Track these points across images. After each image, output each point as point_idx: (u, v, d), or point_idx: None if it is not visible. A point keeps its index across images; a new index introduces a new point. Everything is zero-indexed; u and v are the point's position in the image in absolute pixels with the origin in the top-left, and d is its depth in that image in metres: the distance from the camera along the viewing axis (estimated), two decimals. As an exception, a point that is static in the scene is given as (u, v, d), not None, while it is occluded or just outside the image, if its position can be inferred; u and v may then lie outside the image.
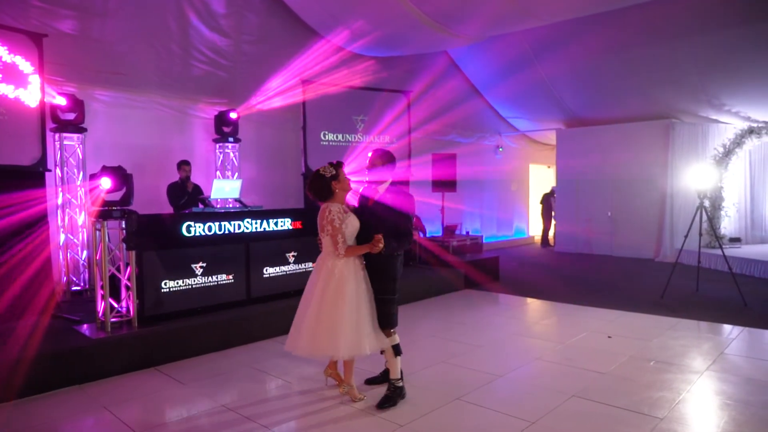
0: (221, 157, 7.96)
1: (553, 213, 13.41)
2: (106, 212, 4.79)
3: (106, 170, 4.84)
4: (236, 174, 7.99)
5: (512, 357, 4.77)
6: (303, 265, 6.27)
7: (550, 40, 10.10)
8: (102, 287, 4.75)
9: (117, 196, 5.00)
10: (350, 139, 8.00)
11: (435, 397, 3.84)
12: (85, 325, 4.90)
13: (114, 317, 4.87)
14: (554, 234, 13.34)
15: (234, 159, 8.01)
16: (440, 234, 9.49)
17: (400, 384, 3.74)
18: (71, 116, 6.37)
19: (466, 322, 6.07)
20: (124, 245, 4.85)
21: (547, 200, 13.58)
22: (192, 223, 5.25)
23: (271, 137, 8.51)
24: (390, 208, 3.58)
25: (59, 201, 6.36)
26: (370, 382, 4.06)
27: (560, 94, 11.67)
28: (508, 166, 14.02)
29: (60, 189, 6.37)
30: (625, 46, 9.63)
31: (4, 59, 4.89)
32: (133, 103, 7.28)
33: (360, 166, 7.81)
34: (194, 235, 5.28)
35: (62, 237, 6.39)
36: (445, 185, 8.90)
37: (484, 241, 11.60)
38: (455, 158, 8.89)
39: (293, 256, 6.19)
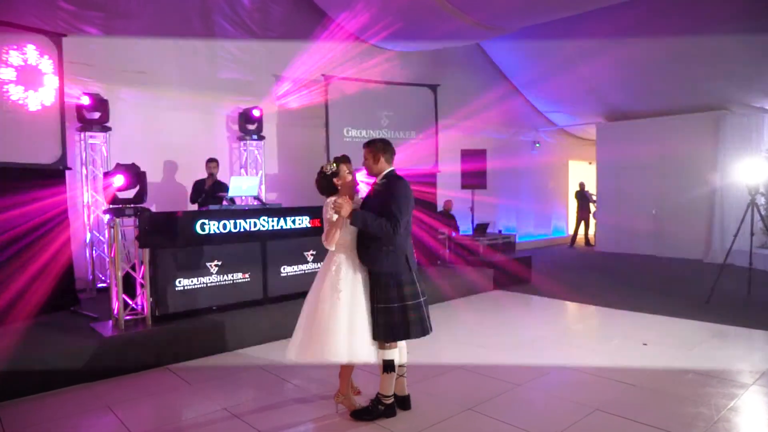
0: (245, 155, 7.92)
1: (592, 211, 12.81)
2: (119, 210, 4.77)
3: (119, 168, 4.83)
4: (260, 172, 7.93)
5: (534, 364, 4.45)
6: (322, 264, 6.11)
7: (589, 31, 9.61)
8: (116, 285, 4.72)
9: (132, 193, 4.97)
10: (375, 135, 7.80)
11: (446, 405, 3.60)
12: (101, 323, 4.91)
13: (129, 315, 4.86)
14: (584, 233, 12.79)
15: (258, 156, 7.96)
16: (470, 233, 9.18)
17: (389, 401, 3.38)
18: (96, 115, 6.45)
19: (490, 325, 5.78)
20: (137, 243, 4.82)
21: (580, 197, 12.98)
22: (206, 221, 5.18)
23: (295, 134, 8.43)
24: (380, 194, 3.32)
25: (85, 199, 6.46)
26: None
27: (601, 86, 11.12)
28: (545, 163, 13.51)
29: (85, 187, 6.47)
30: (671, 36, 9.04)
31: (24, 59, 4.94)
32: (158, 102, 7.32)
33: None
34: (208, 233, 5.20)
35: (88, 234, 6.48)
36: (474, 182, 8.59)
37: (518, 239, 11.20)
38: (485, 154, 8.56)
39: (312, 254, 6.05)
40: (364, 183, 4.48)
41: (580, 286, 7.83)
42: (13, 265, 4.83)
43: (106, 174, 4.78)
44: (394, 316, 3.24)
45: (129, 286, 5.01)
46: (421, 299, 3.35)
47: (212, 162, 6.78)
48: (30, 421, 3.50)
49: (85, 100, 6.32)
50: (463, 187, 8.69)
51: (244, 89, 8.07)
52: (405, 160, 7.81)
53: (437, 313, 6.25)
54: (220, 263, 5.32)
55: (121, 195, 4.86)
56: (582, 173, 14.59)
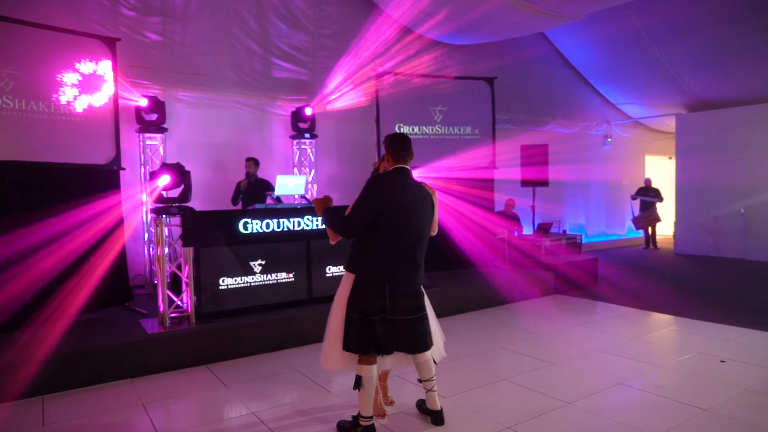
0: (298, 154, 7.92)
1: (656, 210, 11.81)
2: (164, 209, 4.84)
3: (165, 167, 4.90)
4: (312, 170, 7.91)
5: (589, 379, 4.04)
6: (368, 264, 5.96)
7: (667, 14, 8.83)
8: (161, 283, 4.80)
9: (177, 192, 5.03)
10: (427, 131, 7.53)
11: (481, 423, 3.31)
12: (149, 319, 5.02)
13: (174, 313, 4.93)
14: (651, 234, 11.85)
15: (311, 155, 7.93)
16: (531, 233, 8.69)
17: (366, 423, 3.06)
18: (153, 117, 6.65)
19: (543, 333, 5.37)
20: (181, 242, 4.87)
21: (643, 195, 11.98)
22: (249, 220, 5.16)
23: (348, 132, 8.34)
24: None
25: (143, 197, 6.68)
26: (419, 407, 3.54)
27: (680, 74, 10.20)
28: (618, 158, 12.64)
29: (144, 186, 6.68)
30: (760, 15, 8.10)
31: (80, 63, 5.12)
32: (213, 103, 7.46)
33: (437, 160, 7.35)
34: (251, 232, 5.18)
35: (146, 234, 6.70)
36: (535, 179, 8.11)
37: (586, 240, 10.54)
38: (547, 149, 8.05)
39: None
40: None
41: (653, 292, 7.18)
42: (70, 261, 5.01)
43: (153, 174, 4.86)
44: (351, 326, 3.02)
45: (177, 284, 5.09)
46: (377, 317, 2.99)
47: (250, 160, 6.80)
48: (68, 414, 3.58)
49: (143, 102, 6.53)
50: (523, 184, 8.23)
51: (298, 88, 8.07)
52: (460, 157, 7.50)
53: (484, 319, 5.96)
54: (263, 263, 5.28)
55: (167, 194, 4.93)
56: (660, 169, 13.53)
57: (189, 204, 5.08)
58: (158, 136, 6.77)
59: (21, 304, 4.58)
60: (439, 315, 5.90)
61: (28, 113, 4.85)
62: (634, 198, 11.88)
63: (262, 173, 7.05)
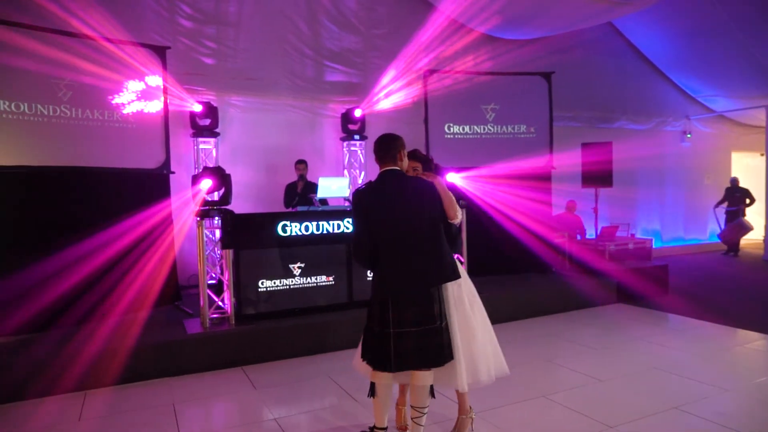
0: (348, 156, 7.89)
1: (744, 219, 10.68)
2: (204, 212, 4.94)
3: (206, 171, 5.00)
4: (362, 173, 7.85)
5: (640, 401, 3.65)
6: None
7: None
8: (202, 284, 4.90)
9: (218, 196, 5.12)
10: (479, 130, 7.23)
11: (509, 444, 3.07)
12: (193, 319, 5.13)
13: (216, 314, 5.02)
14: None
15: (361, 156, 7.88)
16: (594, 237, 8.15)
17: None
18: (207, 122, 6.85)
19: (598, 346, 4.96)
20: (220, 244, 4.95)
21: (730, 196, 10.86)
22: (288, 223, 5.16)
23: (399, 132, 8.17)
24: None
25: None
26: None
27: (771, 61, 9.20)
28: (699, 155, 11.62)
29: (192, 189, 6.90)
30: None
31: (133, 72, 5.35)
32: (265, 107, 7.59)
33: (489, 160, 7.04)
34: (290, 235, 5.18)
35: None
36: (597, 179, 7.57)
37: (657, 245, 9.77)
38: (611, 147, 7.50)
39: (401, 258, 5.75)
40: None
41: (731, 303, 6.48)
42: (123, 260, 5.24)
43: (195, 177, 4.98)
44: (365, 336, 3.01)
45: (221, 285, 5.19)
46: (385, 330, 2.83)
47: (300, 163, 6.82)
48: (103, 410, 3.71)
49: (198, 108, 6.74)
50: (585, 185, 7.72)
51: (349, 89, 8.05)
52: (513, 157, 7.14)
53: (534, 328, 5.61)
54: (303, 265, 5.27)
55: (209, 197, 5.03)
56: (750, 167, 12.32)
57: (237, 206, 5.16)
58: (211, 140, 6.97)
59: (75, 303, 4.81)
60: (491, 321, 5.69)
61: (84, 121, 5.13)
62: (718, 206, 10.85)
63: (313, 175, 7.08)
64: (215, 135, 6.94)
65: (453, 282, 2.96)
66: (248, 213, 5.44)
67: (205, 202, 5.01)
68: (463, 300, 3.04)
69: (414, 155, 3.34)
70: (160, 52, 5.62)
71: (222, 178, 5.05)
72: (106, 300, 5.08)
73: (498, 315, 5.87)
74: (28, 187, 4.86)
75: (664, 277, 7.16)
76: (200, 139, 6.92)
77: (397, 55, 8.07)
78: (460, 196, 6.15)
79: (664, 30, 9.69)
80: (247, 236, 5.05)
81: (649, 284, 6.86)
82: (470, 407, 3.20)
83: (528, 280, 6.91)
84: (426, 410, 2.90)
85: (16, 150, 4.76)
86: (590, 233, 8.60)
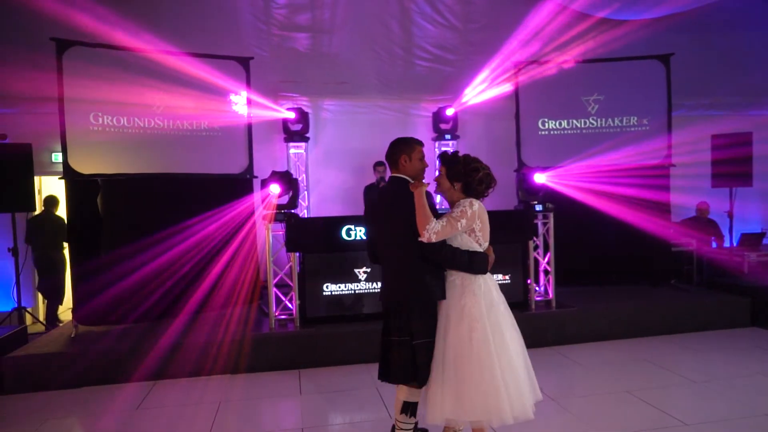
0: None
1: None
2: (273, 215, 5.08)
3: (274, 176, 5.14)
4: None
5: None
6: (488, 276, 5.41)
7: None
8: (269, 287, 5.06)
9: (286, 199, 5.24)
10: (578, 125, 6.48)
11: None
12: (266, 319, 5.33)
13: (284, 315, 5.15)
14: None
15: (452, 157, 7.56)
16: (731, 245, 6.88)
17: None
18: (298, 127, 7.10)
19: (700, 378, 4.13)
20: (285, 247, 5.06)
21: None
22: (352, 227, 5.10)
23: (495, 129, 7.71)
24: None
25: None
26: None
27: None
28: None
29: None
30: None
31: (217, 83, 5.71)
32: (356, 109, 7.65)
33: (591, 158, 6.30)
34: (355, 239, 5.11)
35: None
36: (733, 176, 6.37)
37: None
38: (750, 138, 6.25)
39: (475, 265, 5.39)
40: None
41: None
42: (210, 260, 5.63)
43: (263, 182, 5.15)
44: None
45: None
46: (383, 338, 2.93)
47: (380, 165, 6.70)
48: (160, 402, 3.99)
49: (290, 115, 7.02)
50: (715, 184, 6.54)
51: (442, 87, 7.78)
52: (621, 153, 6.31)
53: (633, 349, 4.89)
54: (369, 270, 5.18)
55: (277, 201, 5.17)
56: None
57: (327, 209, 5.23)
58: (302, 144, 7.20)
59: (160, 299, 5.28)
60: (571, 340, 5.06)
61: (174, 131, 5.60)
62: None
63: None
64: (305, 140, 7.16)
65: (453, 303, 2.71)
66: (313, 217, 5.49)
67: (274, 206, 5.15)
68: (469, 324, 2.65)
69: (441, 157, 3.06)
70: (243, 63, 5.92)
71: (289, 182, 5.15)
72: (194, 297, 5.49)
73: (584, 332, 5.26)
74: (126, 192, 5.43)
75: (822, 298, 5.78)
76: (291, 144, 7.19)
77: (494, 48, 7.58)
78: (547, 199, 5.57)
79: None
80: (312, 240, 5.09)
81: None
82: None
83: (635, 293, 6.05)
84: (405, 427, 2.78)
85: (118, 160, 5.35)
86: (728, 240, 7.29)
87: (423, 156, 3.00)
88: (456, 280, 2.75)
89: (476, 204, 2.76)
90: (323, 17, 7.47)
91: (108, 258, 5.24)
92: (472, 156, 2.96)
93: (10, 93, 6.28)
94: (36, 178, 6.28)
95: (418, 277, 2.76)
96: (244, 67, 5.95)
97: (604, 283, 6.40)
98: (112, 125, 5.33)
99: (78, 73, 5.10)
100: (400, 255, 2.84)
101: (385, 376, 2.87)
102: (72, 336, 4.90)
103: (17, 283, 5.31)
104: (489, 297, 2.73)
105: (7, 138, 6.26)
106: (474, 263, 2.73)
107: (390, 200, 2.89)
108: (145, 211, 5.41)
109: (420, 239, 2.67)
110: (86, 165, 5.21)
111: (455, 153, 3.01)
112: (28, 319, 5.68)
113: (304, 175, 7.24)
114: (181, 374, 4.50)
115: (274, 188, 5.11)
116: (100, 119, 5.26)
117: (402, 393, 2.83)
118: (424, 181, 2.89)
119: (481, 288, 2.71)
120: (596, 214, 6.17)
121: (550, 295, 5.58)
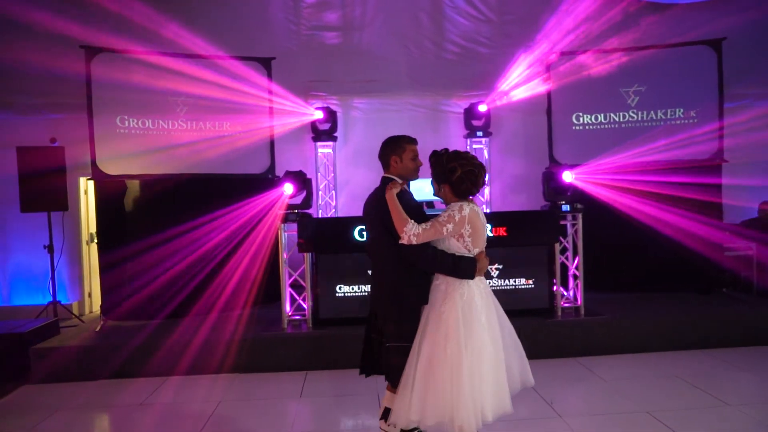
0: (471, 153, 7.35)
1: None
2: (285, 215, 5.06)
3: (288, 176, 5.11)
4: (487, 173, 7.23)
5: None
6: (509, 281, 5.15)
7: None
8: (282, 288, 5.05)
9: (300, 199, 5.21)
10: (617, 119, 6.01)
11: None
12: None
13: (297, 315, 5.13)
14: None
15: (485, 154, 7.28)
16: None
17: None
18: (326, 126, 7.07)
19: (737, 401, 3.69)
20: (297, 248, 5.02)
21: None
22: (364, 227, 4.98)
23: (528, 126, 7.34)
24: None
25: (320, 201, 7.15)
26: None
27: None
28: None
29: (320, 192, 7.16)
30: None
31: (240, 84, 5.77)
32: (386, 107, 7.52)
33: (629, 155, 5.84)
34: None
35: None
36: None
37: None
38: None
39: (497, 269, 5.15)
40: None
41: None
42: (231, 260, 5.70)
43: (277, 181, 5.13)
44: None
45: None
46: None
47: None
48: (164, 398, 4.07)
49: (319, 115, 6.99)
50: (776, 181, 5.89)
51: (475, 82, 7.48)
52: (664, 148, 5.81)
53: (667, 364, 4.49)
54: (382, 272, 5.05)
55: (291, 201, 5.14)
56: None
57: (354, 209, 5.16)
58: (330, 143, 7.17)
59: (181, 296, 5.40)
60: (598, 351, 4.69)
61: (197, 132, 5.71)
62: None
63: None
64: (333, 139, 7.12)
65: (434, 309, 2.59)
66: (325, 217, 5.42)
67: (288, 206, 5.13)
68: (446, 332, 2.50)
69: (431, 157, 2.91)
70: (266, 64, 5.95)
71: (303, 182, 5.11)
72: (215, 295, 5.59)
73: (617, 343, 4.88)
74: (151, 192, 5.60)
75: None
76: (319, 143, 7.17)
77: (531, 40, 7.23)
78: (575, 199, 5.22)
79: None
80: (325, 240, 5.03)
81: None
82: None
83: (680, 301, 5.56)
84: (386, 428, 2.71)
85: (143, 161, 5.51)
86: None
87: (416, 155, 2.92)
88: (441, 285, 2.62)
89: (467, 209, 2.60)
90: (353, 14, 7.39)
91: (133, 256, 5.43)
92: (461, 152, 2.79)
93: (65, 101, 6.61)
94: (82, 180, 6.62)
95: (393, 284, 2.72)
96: (266, 67, 5.97)
97: (650, 290, 5.92)
98: (137, 127, 5.51)
99: (105, 77, 5.30)
100: (378, 259, 2.83)
101: (362, 369, 2.95)
102: (96, 330, 5.11)
103: (52, 278, 5.60)
104: (470, 305, 2.57)
105: (57, 142, 6.63)
106: (459, 268, 2.58)
107: (373, 203, 2.83)
108: (168, 211, 5.54)
109: (400, 241, 2.56)
110: (113, 166, 5.42)
111: (439, 152, 2.84)
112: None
113: (332, 175, 7.20)
114: (192, 371, 4.56)
115: (287, 188, 5.09)
116: (126, 122, 5.45)
117: (385, 399, 2.79)
118: (398, 181, 2.79)
119: (464, 296, 2.57)
120: (638, 214, 5.72)
121: (579, 302, 5.22)
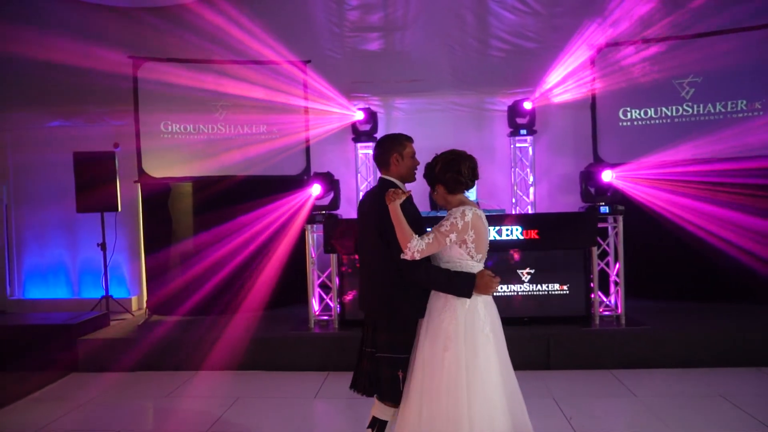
0: (515, 153, 7.09)
1: None
2: (312, 216, 5.12)
3: (316, 177, 5.17)
4: (531, 172, 6.96)
5: None
6: (542, 286, 4.91)
7: None
8: (309, 288, 5.11)
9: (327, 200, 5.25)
10: (669, 113, 5.53)
11: None
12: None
13: (325, 315, 5.18)
14: None
15: (529, 152, 7.00)
16: None
17: None
18: (367, 127, 7.09)
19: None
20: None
21: None
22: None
23: (577, 123, 6.93)
24: None
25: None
26: None
27: None
28: None
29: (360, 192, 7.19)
30: None
31: (276, 87, 5.92)
32: (429, 107, 7.43)
33: (683, 151, 5.39)
34: (392, 242, 4.95)
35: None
36: None
37: None
38: None
39: (528, 273, 4.92)
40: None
41: None
42: (268, 260, 5.85)
43: (304, 183, 5.20)
44: None
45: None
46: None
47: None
48: (187, 392, 4.23)
49: (359, 115, 7.03)
50: None
51: (521, 79, 7.20)
52: (722, 145, 5.30)
53: (710, 380, 4.12)
54: (408, 274, 4.98)
55: (318, 202, 5.21)
56: None
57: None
58: (371, 144, 7.16)
59: (224, 294, 5.61)
60: (637, 364, 4.36)
61: (233, 135, 5.91)
62: None
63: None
64: (374, 140, 7.11)
65: (434, 317, 2.45)
66: (349, 218, 5.41)
67: (315, 207, 5.19)
68: (444, 343, 2.37)
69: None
70: (302, 66, 6.07)
71: (331, 183, 5.15)
72: (251, 294, 5.75)
73: (659, 356, 4.51)
74: (192, 194, 5.87)
75: None
76: (360, 144, 7.19)
77: (580, 33, 6.86)
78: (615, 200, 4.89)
79: None
80: (350, 241, 5.03)
81: None
82: None
83: (736, 312, 5.06)
84: None
85: (185, 164, 5.79)
86: None
87: (414, 153, 2.79)
88: (441, 292, 2.48)
89: (469, 214, 2.44)
90: (396, 15, 7.35)
91: (176, 255, 5.72)
92: (451, 150, 2.65)
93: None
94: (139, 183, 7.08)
95: (386, 293, 2.57)
96: (302, 69, 6.08)
97: (704, 299, 5.44)
98: (180, 132, 5.79)
99: (150, 85, 5.63)
100: (371, 265, 2.69)
101: (352, 385, 2.78)
102: (140, 324, 5.43)
103: (105, 274, 6.02)
104: (472, 315, 2.41)
105: (119, 147, 7.12)
106: (453, 285, 2.42)
107: (370, 206, 2.68)
108: (206, 212, 5.77)
109: (403, 256, 2.42)
110: (158, 169, 5.74)
111: (437, 155, 2.71)
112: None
113: (372, 176, 7.20)
114: (218, 367, 4.70)
115: (315, 189, 5.16)
116: (170, 127, 5.75)
117: (374, 407, 2.69)
118: (402, 189, 2.58)
119: (465, 304, 2.41)
120: (694, 216, 5.27)
121: (620, 310, 4.88)
